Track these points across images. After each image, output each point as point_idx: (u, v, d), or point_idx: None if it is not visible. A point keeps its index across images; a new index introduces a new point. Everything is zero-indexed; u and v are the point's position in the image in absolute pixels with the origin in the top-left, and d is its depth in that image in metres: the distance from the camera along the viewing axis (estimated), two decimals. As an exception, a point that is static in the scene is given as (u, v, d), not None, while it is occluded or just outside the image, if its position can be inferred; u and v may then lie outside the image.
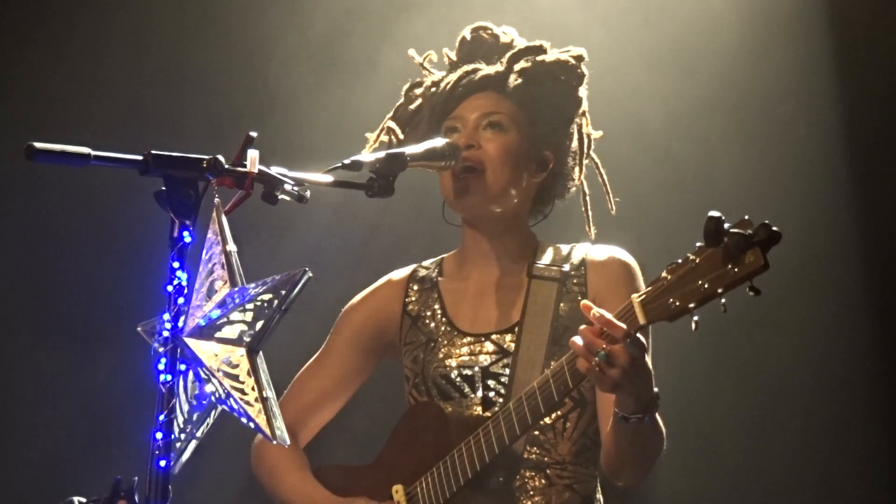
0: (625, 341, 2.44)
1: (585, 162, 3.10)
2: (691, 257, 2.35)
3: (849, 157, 4.54)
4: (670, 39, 4.57)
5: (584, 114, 3.07)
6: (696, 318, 2.37)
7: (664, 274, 2.39)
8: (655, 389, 2.58)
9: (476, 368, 2.92)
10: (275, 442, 2.09)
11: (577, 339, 2.48)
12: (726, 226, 2.28)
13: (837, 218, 4.53)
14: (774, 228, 2.27)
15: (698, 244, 2.34)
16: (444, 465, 2.81)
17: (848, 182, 4.54)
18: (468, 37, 3.11)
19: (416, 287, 3.08)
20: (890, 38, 4.46)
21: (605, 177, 3.13)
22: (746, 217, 2.30)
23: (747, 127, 4.53)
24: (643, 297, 2.43)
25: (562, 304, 2.91)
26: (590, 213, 3.12)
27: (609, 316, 2.45)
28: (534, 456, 2.87)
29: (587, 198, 3.12)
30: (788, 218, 4.43)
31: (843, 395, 4.49)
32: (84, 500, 2.39)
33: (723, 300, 2.33)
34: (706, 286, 2.33)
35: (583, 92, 3.05)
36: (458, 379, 2.92)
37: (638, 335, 2.46)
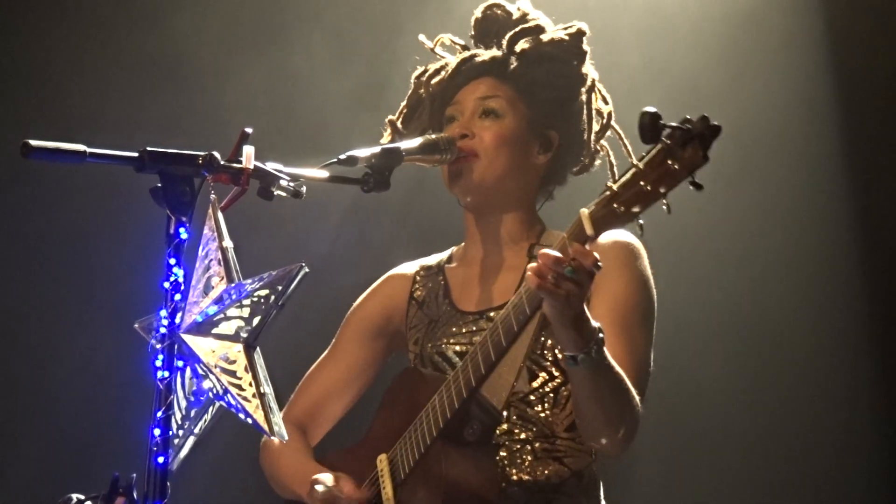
0: (578, 255, 2.42)
1: (606, 134, 3.07)
2: (635, 162, 2.33)
3: (848, 157, 4.54)
4: (667, 40, 4.57)
5: (592, 89, 3.03)
6: (641, 222, 2.35)
7: (609, 184, 2.37)
8: (596, 325, 2.55)
9: (470, 346, 2.91)
10: (273, 438, 2.09)
11: (534, 264, 2.46)
12: (662, 121, 2.25)
13: (836, 218, 4.53)
14: (713, 122, 2.25)
15: (644, 153, 2.31)
16: (418, 422, 2.80)
17: (847, 183, 4.55)
18: (480, 15, 3.09)
19: (423, 274, 3.09)
20: (889, 39, 4.46)
21: (629, 147, 3.09)
22: (687, 116, 2.28)
23: (746, 126, 4.54)
24: (591, 209, 2.41)
25: None
26: None
27: (554, 253, 2.42)
28: (518, 430, 2.86)
29: (614, 168, 3.09)
30: (787, 218, 4.46)
31: (841, 395, 4.50)
32: (83, 497, 2.39)
33: (665, 201, 2.30)
34: (649, 188, 2.30)
35: (587, 68, 3.02)
36: (454, 356, 2.92)
37: (592, 253, 2.43)
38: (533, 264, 2.46)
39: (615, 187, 2.35)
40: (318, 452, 3.08)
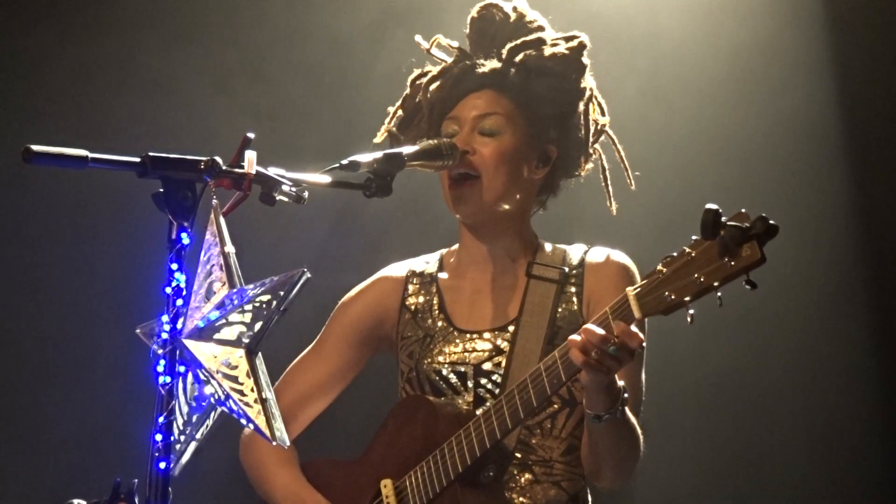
0: (624, 337, 2.46)
1: (600, 139, 3.08)
2: (687, 250, 2.35)
3: (848, 155, 4.54)
4: (669, 39, 4.57)
5: (590, 100, 3.03)
6: (691, 311, 2.36)
7: (659, 267, 2.39)
8: (621, 383, 2.60)
9: (469, 366, 2.91)
10: (274, 443, 2.09)
11: (577, 337, 2.49)
12: (723, 219, 2.28)
13: (836, 217, 4.53)
14: (772, 222, 2.26)
15: (694, 237, 2.33)
16: (433, 459, 2.80)
17: (846, 181, 4.54)
18: (476, 15, 3.07)
19: (415, 281, 3.08)
20: (889, 38, 4.46)
21: (622, 153, 3.10)
22: (743, 210, 2.29)
23: (746, 126, 4.54)
24: (638, 290, 2.43)
25: (559, 306, 2.90)
26: (610, 188, 3.10)
27: (600, 331, 2.47)
28: (520, 455, 2.86)
29: (607, 172, 3.10)
30: (787, 217, 4.45)
31: (839, 394, 4.49)
32: (84, 502, 2.38)
33: (719, 293, 2.32)
34: (702, 279, 2.32)
35: (587, 81, 3.02)
36: (451, 376, 2.92)
37: (636, 332, 2.47)
38: (576, 337, 2.50)
39: (666, 271, 2.36)
40: (303, 456, 3.08)
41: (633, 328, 2.46)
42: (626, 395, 2.61)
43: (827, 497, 4.47)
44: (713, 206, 2.27)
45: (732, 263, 2.28)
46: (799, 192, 4.50)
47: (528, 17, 3.04)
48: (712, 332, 4.45)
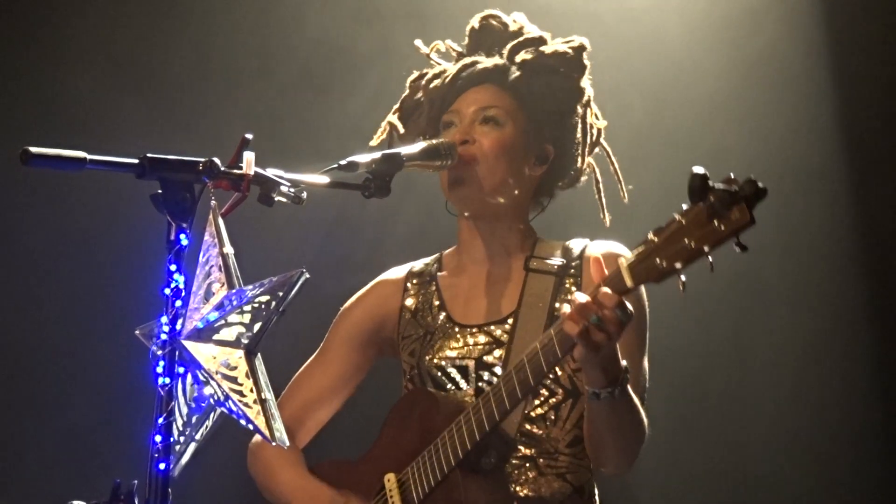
0: (615, 307, 2.44)
1: (595, 151, 3.09)
2: (677, 217, 2.33)
3: (847, 161, 4.54)
4: (667, 36, 4.57)
5: (588, 104, 3.04)
6: (683, 278, 2.35)
7: (650, 236, 2.37)
8: (623, 363, 2.59)
9: (470, 359, 2.91)
10: (274, 444, 2.09)
11: (567, 307, 2.49)
12: (711, 182, 2.26)
13: (836, 222, 4.53)
14: (760, 184, 2.25)
15: (684, 205, 2.32)
16: (434, 448, 2.80)
17: (846, 179, 4.55)
18: (477, 26, 3.08)
19: (414, 282, 3.08)
20: (889, 48, 4.47)
21: (616, 165, 3.11)
22: (731, 174, 2.28)
23: (747, 125, 4.54)
24: (630, 260, 2.42)
25: (558, 299, 2.91)
26: (603, 200, 3.11)
27: (585, 298, 2.45)
28: (524, 447, 2.86)
29: (600, 185, 3.11)
30: (786, 220, 4.46)
31: (839, 392, 4.49)
32: (84, 503, 2.39)
33: (710, 258, 2.31)
34: (693, 244, 2.30)
35: (585, 83, 3.03)
36: (453, 370, 2.92)
37: (626, 303, 2.46)
38: (567, 309, 2.49)
39: (657, 240, 2.36)
40: (309, 460, 3.08)
41: (607, 289, 2.44)
42: (627, 373, 2.59)
43: (827, 497, 4.47)
44: (700, 170, 2.27)
45: (722, 227, 2.26)
46: (798, 195, 4.50)
47: (526, 28, 3.06)
48: (711, 333, 4.46)
